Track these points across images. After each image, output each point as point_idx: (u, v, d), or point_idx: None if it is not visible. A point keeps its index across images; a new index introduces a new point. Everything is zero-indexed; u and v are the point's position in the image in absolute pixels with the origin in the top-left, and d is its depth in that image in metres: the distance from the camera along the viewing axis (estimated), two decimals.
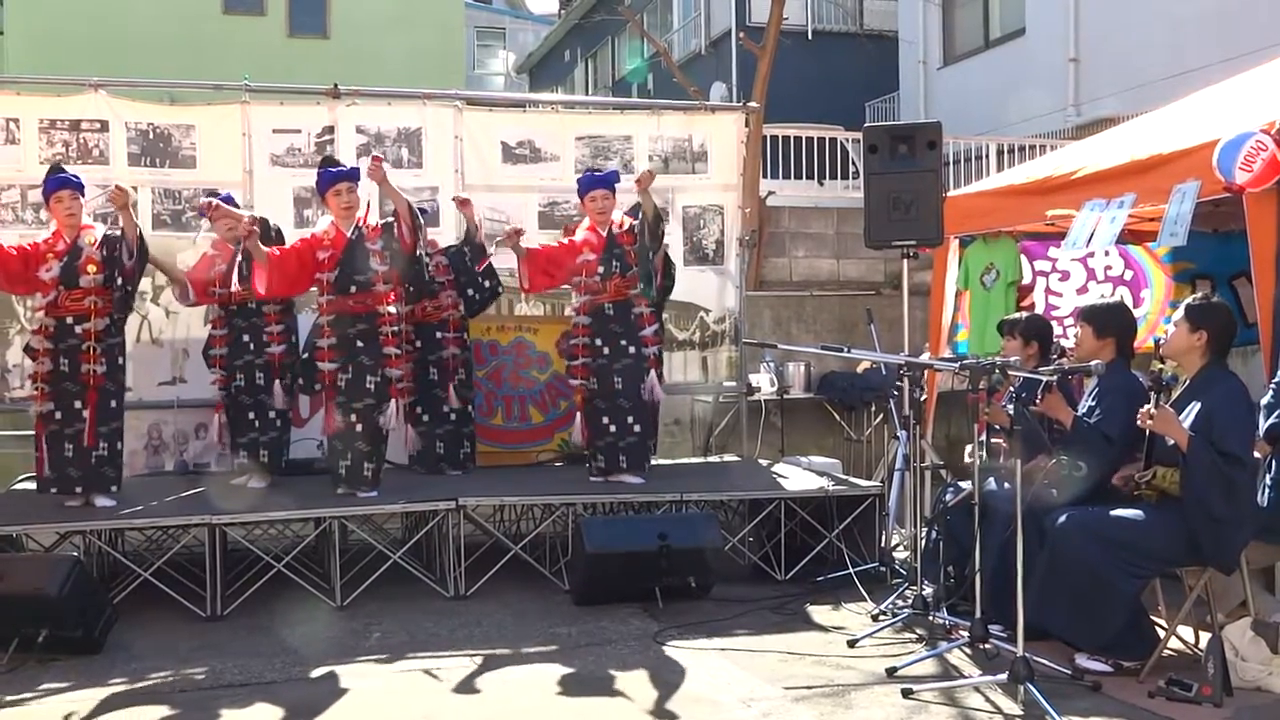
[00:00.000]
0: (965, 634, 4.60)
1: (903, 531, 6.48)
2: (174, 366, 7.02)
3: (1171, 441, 4.32)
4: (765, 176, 12.29)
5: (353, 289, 5.94)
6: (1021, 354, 5.47)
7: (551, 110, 8.06)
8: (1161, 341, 4.75)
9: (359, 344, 5.92)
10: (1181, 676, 4.19)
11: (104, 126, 6.91)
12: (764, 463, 7.48)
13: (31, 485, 6.27)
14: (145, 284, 6.63)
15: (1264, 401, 4.62)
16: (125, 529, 5.99)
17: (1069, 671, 4.39)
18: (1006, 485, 4.85)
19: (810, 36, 19.32)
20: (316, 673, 4.67)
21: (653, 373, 6.42)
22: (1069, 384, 5.34)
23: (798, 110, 15.15)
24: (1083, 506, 4.55)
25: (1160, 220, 5.13)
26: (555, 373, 7.22)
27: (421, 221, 6.20)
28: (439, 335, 6.73)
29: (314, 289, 6.06)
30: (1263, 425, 4.51)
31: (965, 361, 4.67)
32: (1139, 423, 4.36)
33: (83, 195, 5.83)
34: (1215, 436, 4.26)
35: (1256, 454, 4.46)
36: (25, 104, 6.92)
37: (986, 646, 4.51)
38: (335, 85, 7.26)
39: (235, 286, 6.02)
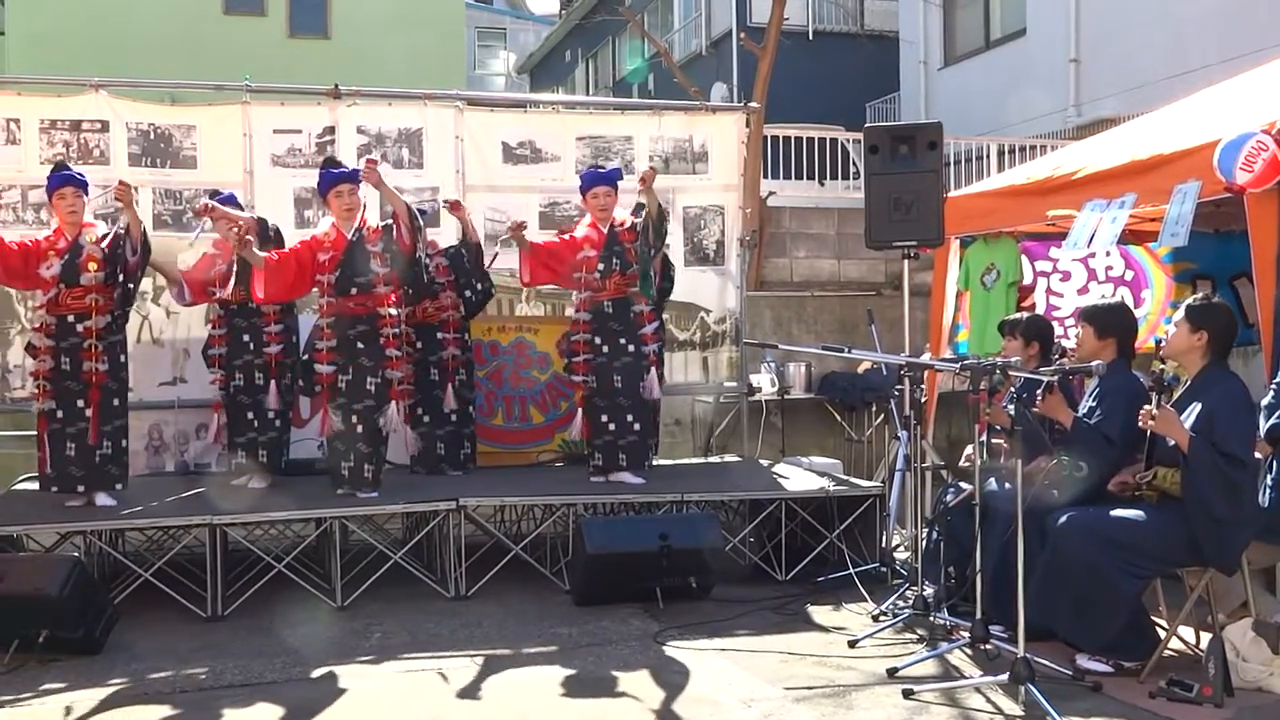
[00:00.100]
0: (966, 634, 4.60)
1: (903, 532, 6.47)
2: (175, 367, 7.02)
3: (1172, 442, 4.31)
4: (766, 177, 12.26)
5: (353, 291, 5.95)
6: (1022, 354, 5.46)
7: (552, 111, 8.07)
8: (1162, 342, 4.75)
9: (359, 345, 5.92)
10: (1182, 677, 4.18)
11: (105, 127, 6.91)
12: (765, 463, 7.48)
13: (33, 485, 6.28)
14: (146, 284, 6.64)
15: (1265, 402, 4.62)
16: (126, 529, 5.99)
17: (1070, 672, 4.39)
18: (1007, 486, 4.85)
19: (811, 37, 19.32)
20: (317, 673, 4.67)
21: (652, 371, 6.42)
22: (1070, 384, 5.33)
23: (798, 111, 15.14)
24: (1083, 507, 4.55)
25: (1161, 220, 5.12)
26: (556, 373, 7.22)
27: (421, 223, 6.19)
28: (439, 336, 6.74)
29: (315, 290, 6.06)
30: (1263, 426, 4.51)
31: (966, 362, 4.66)
32: (1140, 423, 4.36)
33: (86, 193, 5.84)
34: (1216, 437, 4.26)
35: (1257, 454, 4.45)
36: (26, 104, 6.92)
37: (987, 647, 4.51)
38: (336, 86, 7.26)
39: (229, 293, 6.04)
